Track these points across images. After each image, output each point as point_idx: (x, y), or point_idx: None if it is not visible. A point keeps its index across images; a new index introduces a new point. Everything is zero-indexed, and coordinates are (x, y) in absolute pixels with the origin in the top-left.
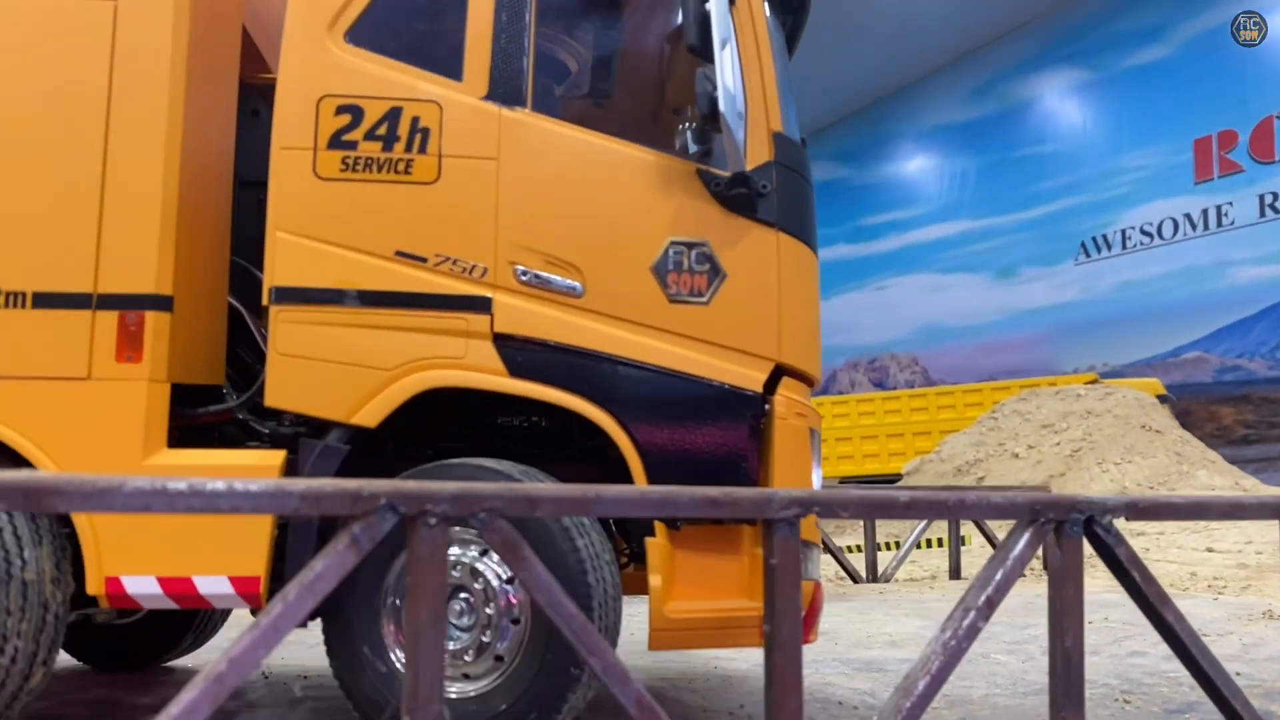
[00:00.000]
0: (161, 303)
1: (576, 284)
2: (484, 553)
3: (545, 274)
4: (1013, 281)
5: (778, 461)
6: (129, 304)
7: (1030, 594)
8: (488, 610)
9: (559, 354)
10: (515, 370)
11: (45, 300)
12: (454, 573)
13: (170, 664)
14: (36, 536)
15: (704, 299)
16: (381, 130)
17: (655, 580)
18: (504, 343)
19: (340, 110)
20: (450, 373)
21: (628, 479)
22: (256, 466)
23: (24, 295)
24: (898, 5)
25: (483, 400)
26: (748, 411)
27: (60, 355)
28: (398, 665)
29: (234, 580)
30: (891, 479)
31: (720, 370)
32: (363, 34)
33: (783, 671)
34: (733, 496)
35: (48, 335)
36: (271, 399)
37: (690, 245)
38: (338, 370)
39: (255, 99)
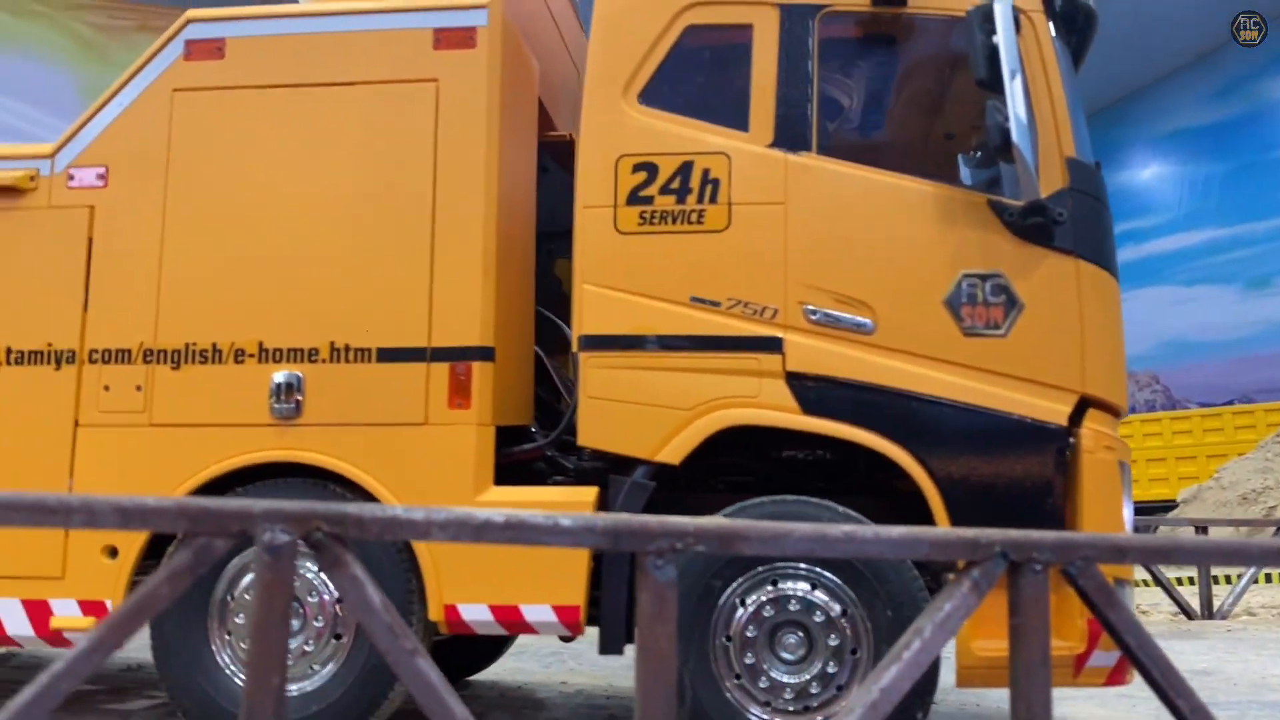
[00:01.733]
0: (486, 353)
1: (867, 321)
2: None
3: (835, 312)
4: (1269, 292)
5: (1086, 498)
6: (458, 356)
7: None
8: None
9: (852, 391)
10: (808, 408)
11: (388, 355)
12: None
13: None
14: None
15: (1001, 331)
16: (675, 184)
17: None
18: (796, 381)
19: (637, 168)
20: (746, 411)
21: (918, 514)
22: (574, 502)
23: (370, 351)
24: (1132, 4)
25: (767, 435)
26: (1052, 446)
27: (401, 403)
28: None
29: (556, 609)
30: (1165, 506)
31: (1021, 404)
32: (654, 94)
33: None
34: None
35: (390, 386)
36: (584, 439)
37: (984, 277)
38: (642, 411)
39: (544, 156)
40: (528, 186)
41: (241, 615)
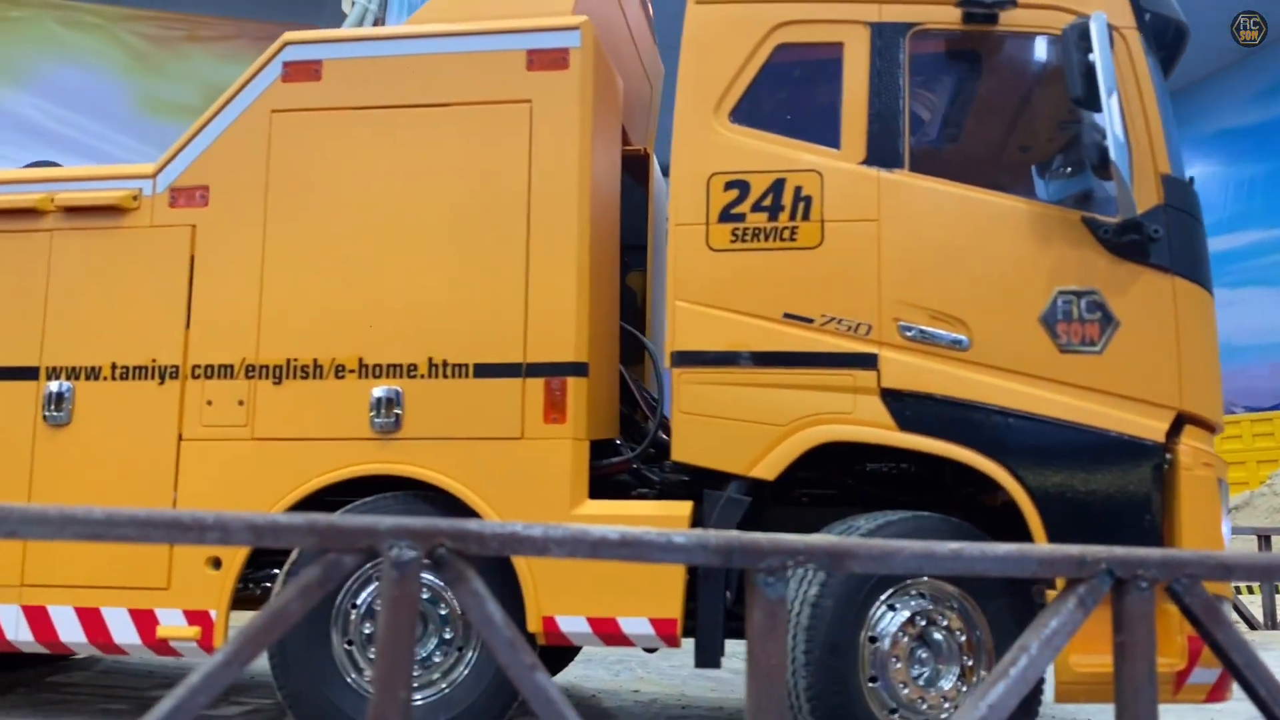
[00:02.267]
0: (580, 369)
1: (962, 337)
2: None
3: (930, 329)
4: None
5: (1185, 515)
6: (553, 371)
7: None
8: None
9: (948, 407)
10: (905, 424)
11: (484, 370)
12: None
13: None
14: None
15: (1097, 348)
16: (767, 201)
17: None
18: (892, 397)
19: (729, 186)
20: (841, 427)
21: (1005, 528)
22: (669, 516)
23: (467, 367)
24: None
25: (847, 450)
26: (1149, 462)
27: (497, 418)
28: None
29: (654, 621)
30: None
31: (1118, 420)
32: (745, 113)
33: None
34: None
35: (487, 401)
36: (678, 454)
37: (1079, 294)
38: (736, 426)
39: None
40: (613, 202)
41: (368, 625)
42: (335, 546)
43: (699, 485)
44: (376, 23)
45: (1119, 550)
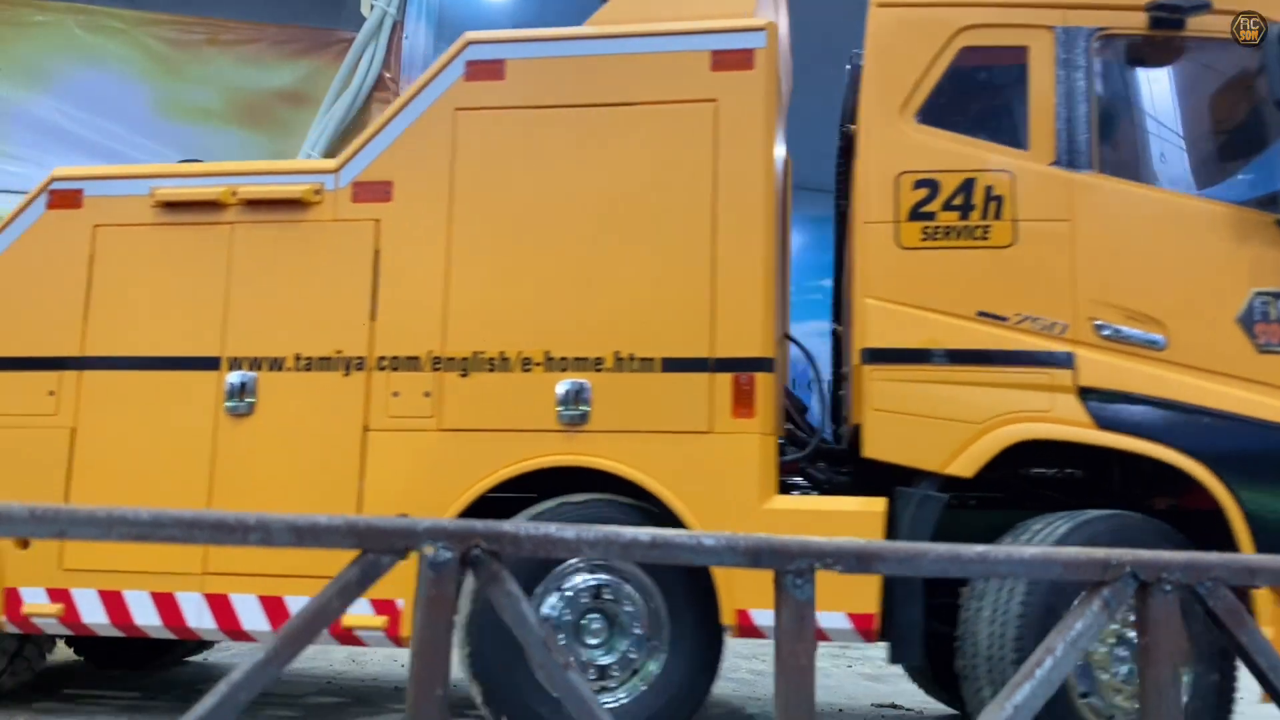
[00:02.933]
0: (766, 365)
1: (1158, 337)
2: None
3: (1126, 328)
4: None
5: None
6: (741, 366)
7: None
8: None
9: (1147, 406)
10: (1103, 423)
11: (672, 365)
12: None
13: None
14: None
15: None
16: (958, 200)
17: (1268, 633)
18: (1089, 395)
19: (918, 185)
20: (1039, 426)
21: (1188, 532)
22: (862, 513)
23: (654, 361)
24: None
25: (1020, 451)
26: None
27: (685, 412)
28: None
29: (852, 617)
30: None
31: None
32: (930, 113)
33: None
34: None
35: (674, 395)
36: (869, 450)
37: (1277, 295)
38: (930, 424)
39: None
40: (782, 201)
41: (562, 636)
42: (374, 547)
43: (867, 483)
44: (395, 26)
45: (1144, 553)
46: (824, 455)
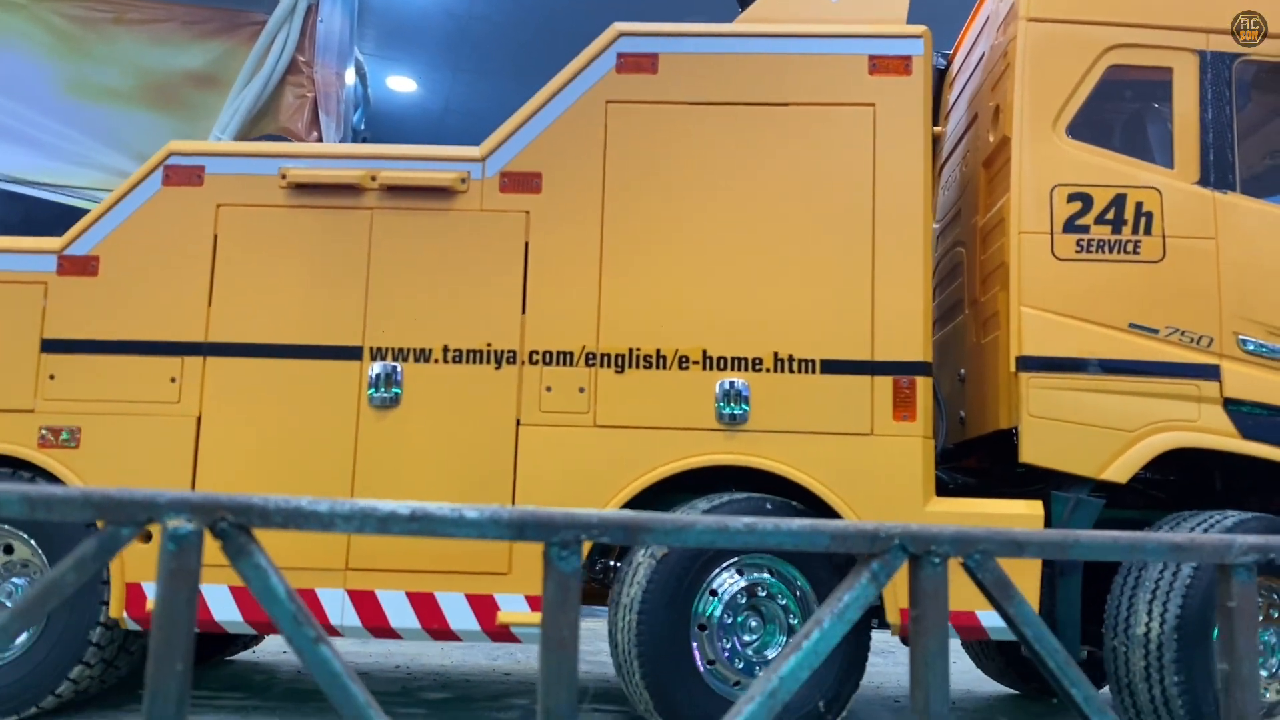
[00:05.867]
0: (925, 369)
1: None
2: None
3: (1269, 343)
4: None
5: None
6: (902, 370)
7: None
8: None
9: None
10: (1246, 433)
11: (831, 366)
12: None
13: None
14: None
15: None
16: (1109, 215)
17: None
18: (1234, 407)
19: (1071, 198)
20: (1189, 434)
21: None
22: (1025, 515)
23: (814, 363)
24: None
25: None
26: None
27: (846, 414)
28: None
29: None
30: None
31: None
32: (1080, 128)
33: (1242, 708)
34: (1195, 542)
35: (834, 397)
36: (1026, 455)
37: None
38: (1085, 431)
39: None
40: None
41: (727, 641)
42: (113, 519)
43: (997, 486)
44: (310, 9)
45: (914, 526)
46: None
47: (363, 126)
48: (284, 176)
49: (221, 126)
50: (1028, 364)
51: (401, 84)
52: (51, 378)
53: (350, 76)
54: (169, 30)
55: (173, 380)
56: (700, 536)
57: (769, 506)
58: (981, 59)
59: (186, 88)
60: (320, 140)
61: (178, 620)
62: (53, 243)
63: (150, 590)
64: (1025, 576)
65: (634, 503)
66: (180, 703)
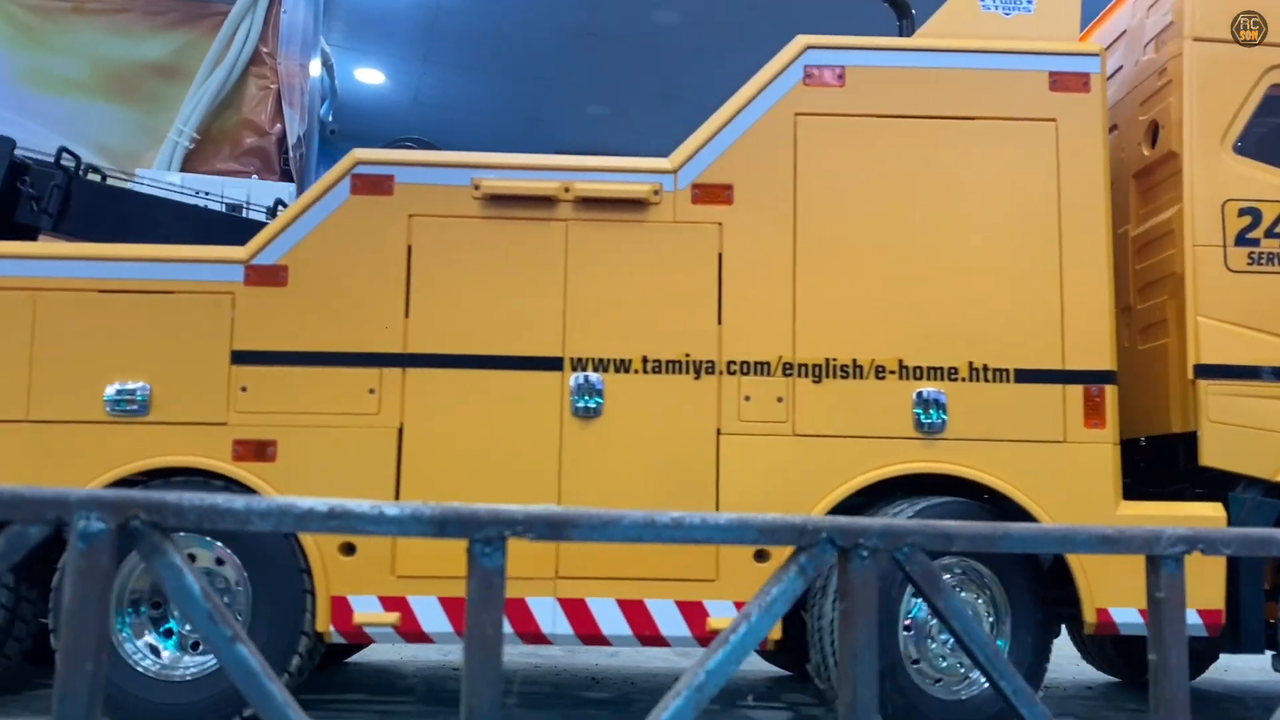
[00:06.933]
0: (1112, 377)
1: None
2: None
3: None
4: None
5: None
6: (1091, 379)
7: None
8: None
9: None
10: None
11: (1025, 376)
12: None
13: None
14: None
15: None
16: (1278, 229)
17: None
18: None
19: (1242, 212)
20: None
21: None
22: (1209, 518)
23: (1007, 372)
24: None
25: None
26: None
27: (1039, 422)
28: None
29: (1201, 613)
30: None
31: None
32: (1245, 145)
33: (1171, 698)
34: (1124, 534)
35: (1027, 405)
36: (1206, 459)
37: None
38: (1262, 436)
39: None
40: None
41: (933, 641)
42: (20, 517)
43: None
44: (273, 1)
45: (842, 519)
46: None
47: (330, 119)
48: (477, 187)
49: (184, 118)
50: (1205, 371)
51: (370, 76)
52: (243, 390)
53: (316, 68)
54: (129, 20)
55: (371, 391)
56: (627, 532)
57: (964, 510)
58: (1118, 71)
59: (147, 79)
60: (284, 131)
61: (88, 620)
62: (238, 252)
63: (357, 604)
64: (1213, 570)
65: (837, 509)
66: (91, 705)
